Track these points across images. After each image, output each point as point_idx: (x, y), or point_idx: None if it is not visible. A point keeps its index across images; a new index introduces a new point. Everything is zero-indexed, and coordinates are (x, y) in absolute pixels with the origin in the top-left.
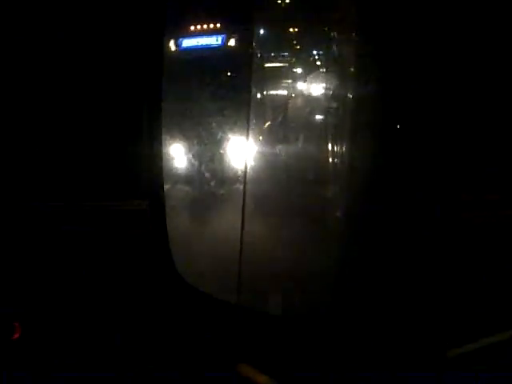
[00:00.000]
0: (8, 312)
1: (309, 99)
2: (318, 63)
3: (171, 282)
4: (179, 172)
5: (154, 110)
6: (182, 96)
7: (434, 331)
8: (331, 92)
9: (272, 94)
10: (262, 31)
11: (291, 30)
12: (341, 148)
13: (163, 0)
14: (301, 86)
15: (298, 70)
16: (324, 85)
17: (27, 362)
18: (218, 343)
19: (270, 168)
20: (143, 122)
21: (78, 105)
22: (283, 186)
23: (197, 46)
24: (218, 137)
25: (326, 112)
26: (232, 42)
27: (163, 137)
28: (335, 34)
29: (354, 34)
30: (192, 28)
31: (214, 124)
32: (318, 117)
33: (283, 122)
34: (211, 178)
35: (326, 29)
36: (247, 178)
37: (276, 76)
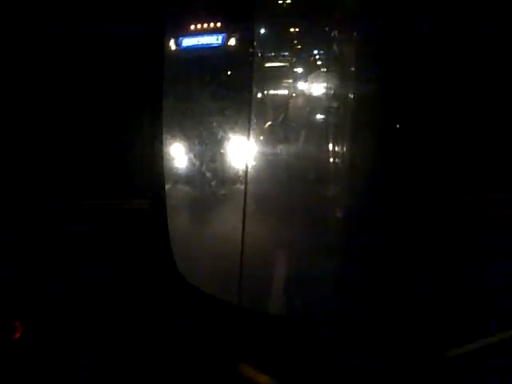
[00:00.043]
0: (9, 311)
1: (310, 99)
2: (320, 63)
3: (172, 282)
4: (180, 172)
5: (155, 109)
6: (182, 95)
7: (434, 331)
8: (332, 91)
9: (273, 94)
10: (263, 31)
11: (292, 29)
12: (342, 147)
13: None
14: (302, 85)
15: (299, 70)
16: (325, 84)
17: (28, 361)
18: (219, 343)
19: (271, 168)
20: (144, 122)
21: (79, 105)
22: (284, 186)
23: (198, 45)
24: (219, 136)
25: (326, 111)
26: (233, 42)
27: (164, 136)
28: (336, 33)
29: (354, 34)
30: (193, 27)
31: (214, 124)
32: (319, 116)
33: (284, 122)
34: (212, 178)
35: (327, 28)
36: (248, 178)
37: (277, 75)
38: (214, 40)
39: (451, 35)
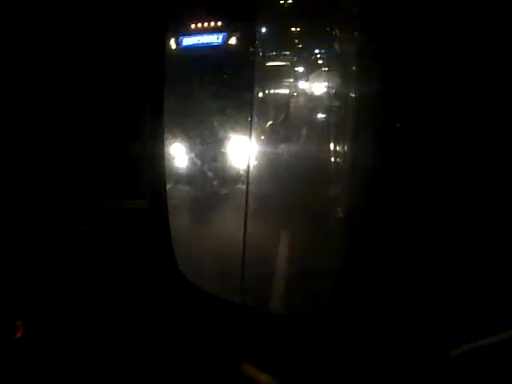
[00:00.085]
0: (10, 311)
1: (312, 98)
2: (322, 62)
3: (174, 281)
4: (182, 171)
5: (156, 109)
6: (184, 95)
7: (436, 331)
8: (334, 91)
9: (275, 93)
10: (265, 30)
11: (294, 28)
12: (344, 147)
13: None
14: (304, 84)
15: (301, 69)
16: (327, 83)
17: (29, 360)
18: (220, 342)
19: (272, 167)
20: (145, 121)
21: (81, 105)
22: (286, 186)
23: (199, 44)
24: (221, 136)
25: (329, 111)
26: (235, 41)
27: (165, 136)
28: (337, 32)
29: (355, 33)
30: (194, 26)
31: (216, 123)
32: (321, 116)
33: (286, 121)
34: (214, 178)
35: (328, 28)
36: (250, 178)
37: (279, 75)
38: (216, 39)
39: (453, 35)
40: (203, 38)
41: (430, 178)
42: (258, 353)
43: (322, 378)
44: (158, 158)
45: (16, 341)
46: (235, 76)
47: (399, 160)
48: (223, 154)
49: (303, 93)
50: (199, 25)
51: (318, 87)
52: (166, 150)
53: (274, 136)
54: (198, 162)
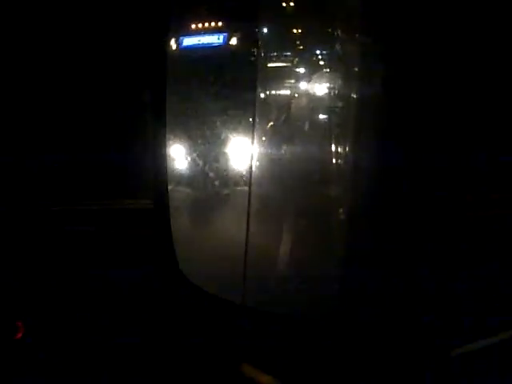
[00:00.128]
0: (11, 311)
1: (314, 99)
2: (324, 63)
3: (175, 281)
4: (184, 172)
5: (158, 109)
6: (185, 95)
7: (437, 331)
8: (337, 92)
9: (277, 94)
10: (267, 30)
11: (296, 29)
12: (347, 148)
13: None
14: (306, 85)
15: (304, 70)
16: (329, 84)
17: (30, 361)
18: (221, 343)
19: (275, 168)
20: (147, 122)
21: (82, 105)
22: (288, 186)
23: (201, 44)
24: (223, 137)
25: (331, 112)
26: (238, 41)
27: (167, 136)
28: (339, 33)
29: (358, 34)
30: (196, 26)
31: (218, 124)
32: (325, 117)
33: (288, 122)
34: (216, 179)
35: (331, 29)
36: (252, 178)
37: (281, 75)
38: (217, 39)
39: (457, 35)
40: (205, 38)
41: (432, 179)
42: (259, 354)
43: (323, 379)
44: (159, 158)
45: (16, 341)
46: (237, 76)
47: (402, 161)
48: (225, 154)
49: (306, 93)
50: (202, 25)
51: (320, 88)
52: (167, 150)
53: (276, 137)
54: (201, 163)
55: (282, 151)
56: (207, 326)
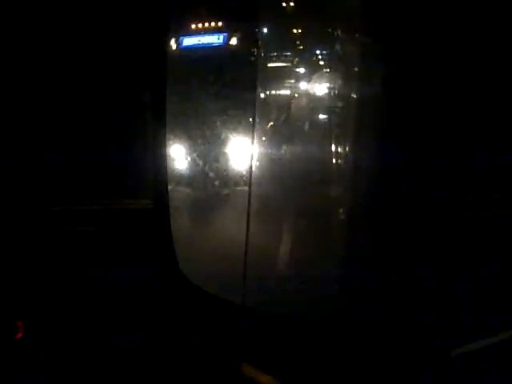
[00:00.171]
0: (11, 311)
1: (314, 99)
2: (324, 63)
3: (175, 281)
4: (184, 172)
5: (158, 109)
6: (186, 95)
7: (437, 331)
8: (337, 92)
9: (277, 94)
10: (267, 30)
11: (296, 29)
12: (347, 148)
13: None
14: (307, 85)
15: (304, 70)
16: (329, 84)
17: (30, 361)
18: (221, 343)
19: (275, 168)
20: (147, 122)
21: (82, 105)
22: (289, 187)
23: (201, 44)
24: (223, 137)
25: (333, 112)
26: (238, 41)
27: (167, 136)
28: (339, 33)
29: (358, 34)
30: (196, 26)
31: (218, 124)
32: (325, 117)
33: (289, 122)
34: (216, 179)
35: (331, 29)
36: (253, 178)
37: (282, 75)
38: (217, 40)
39: (457, 35)
40: (206, 38)
41: (434, 179)
42: (259, 354)
43: (323, 379)
44: (159, 158)
45: (16, 341)
46: (237, 77)
47: (402, 161)
48: (225, 154)
49: (306, 93)
50: (202, 25)
51: (320, 88)
52: (167, 150)
53: (276, 137)
54: (201, 163)
55: (282, 151)
56: (207, 325)
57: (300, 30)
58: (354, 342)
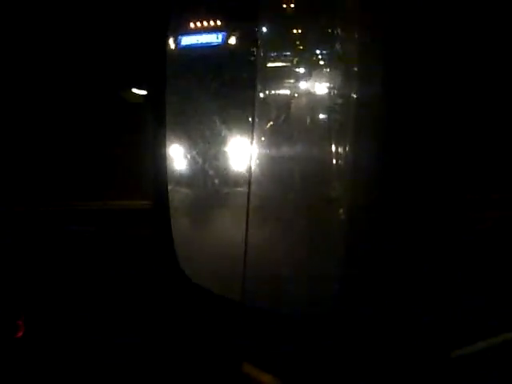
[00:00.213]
0: (12, 310)
1: (314, 98)
2: (324, 62)
3: (175, 281)
4: (183, 172)
5: (158, 109)
6: (185, 95)
7: (438, 332)
8: (337, 91)
9: (277, 94)
10: (266, 30)
11: (296, 29)
12: (347, 148)
13: None
14: (307, 85)
15: (303, 69)
16: (329, 84)
17: (30, 360)
18: (222, 342)
19: (275, 168)
20: (147, 121)
21: (82, 105)
22: (288, 186)
23: (200, 43)
24: (223, 136)
25: (333, 112)
26: (237, 41)
27: (167, 136)
28: (339, 32)
29: (357, 34)
30: (195, 25)
31: (217, 123)
32: (325, 116)
33: (289, 122)
34: (216, 178)
35: (330, 28)
36: (252, 178)
37: (281, 75)
38: (216, 39)
39: (457, 34)
40: (205, 37)
41: (434, 178)
42: (259, 353)
43: (323, 379)
44: (159, 158)
45: (17, 340)
46: (236, 76)
47: (402, 161)
48: (225, 154)
49: (305, 93)
50: (202, 24)
51: (320, 88)
52: (167, 150)
53: (276, 136)
54: (201, 162)
55: (282, 151)
56: (207, 325)
57: (300, 30)
58: (354, 341)
